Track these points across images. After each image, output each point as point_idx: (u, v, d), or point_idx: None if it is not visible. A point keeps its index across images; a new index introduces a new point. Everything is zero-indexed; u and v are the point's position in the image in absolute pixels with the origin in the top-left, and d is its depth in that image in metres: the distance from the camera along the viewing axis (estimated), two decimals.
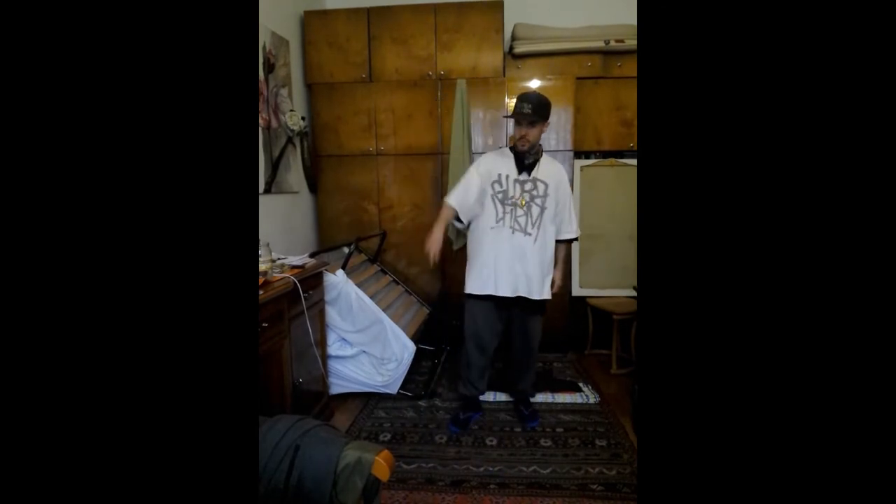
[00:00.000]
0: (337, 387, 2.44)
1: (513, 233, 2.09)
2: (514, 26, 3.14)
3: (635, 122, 3.05)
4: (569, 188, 2.21)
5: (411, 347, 2.45)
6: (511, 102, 3.02)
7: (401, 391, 2.52)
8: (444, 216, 2.11)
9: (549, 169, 2.13)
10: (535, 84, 3.03)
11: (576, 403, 2.47)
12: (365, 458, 1.06)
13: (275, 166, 2.66)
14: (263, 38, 2.55)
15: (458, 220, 2.15)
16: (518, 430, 2.22)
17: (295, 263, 2.07)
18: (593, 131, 3.14)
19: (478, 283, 2.14)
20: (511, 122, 2.10)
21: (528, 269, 2.10)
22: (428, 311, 3.09)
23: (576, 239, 2.26)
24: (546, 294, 2.16)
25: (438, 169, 3.09)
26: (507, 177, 2.10)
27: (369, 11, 3.02)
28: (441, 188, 3.04)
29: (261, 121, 2.52)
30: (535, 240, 2.10)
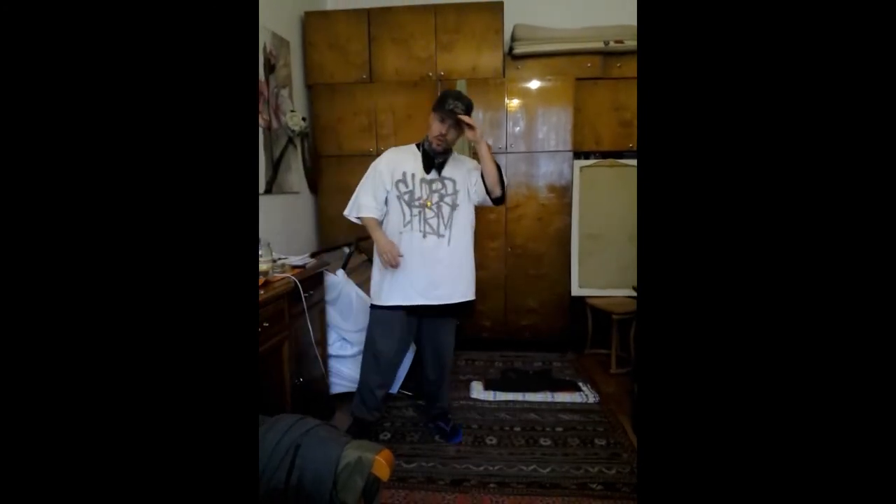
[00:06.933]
0: (338, 386, 2.44)
1: (424, 237, 1.92)
2: (514, 27, 3.15)
3: (635, 123, 3.04)
4: (479, 171, 1.97)
5: (411, 347, 2.45)
6: (511, 103, 3.03)
7: (401, 391, 2.53)
8: (374, 225, 1.95)
9: (457, 167, 1.98)
10: (534, 85, 3.03)
11: (575, 403, 2.48)
12: (365, 458, 1.06)
13: (275, 167, 2.67)
14: (264, 39, 2.55)
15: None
16: (518, 429, 2.23)
17: (296, 263, 2.08)
18: (592, 132, 3.14)
19: (387, 292, 1.97)
20: (436, 118, 1.88)
21: (441, 275, 1.94)
22: None
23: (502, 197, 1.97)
24: (458, 297, 1.98)
25: None
26: (413, 175, 1.93)
27: (369, 12, 3.03)
28: None
29: (261, 121, 2.52)
30: (449, 241, 1.93)
